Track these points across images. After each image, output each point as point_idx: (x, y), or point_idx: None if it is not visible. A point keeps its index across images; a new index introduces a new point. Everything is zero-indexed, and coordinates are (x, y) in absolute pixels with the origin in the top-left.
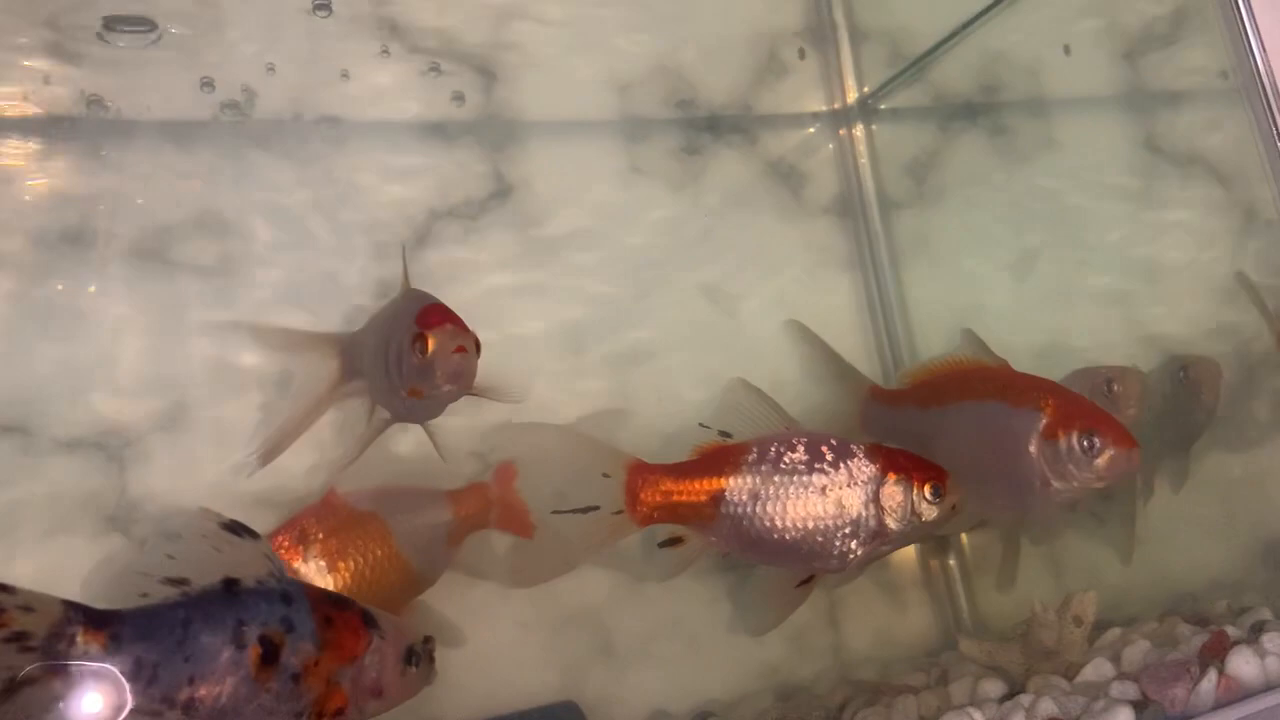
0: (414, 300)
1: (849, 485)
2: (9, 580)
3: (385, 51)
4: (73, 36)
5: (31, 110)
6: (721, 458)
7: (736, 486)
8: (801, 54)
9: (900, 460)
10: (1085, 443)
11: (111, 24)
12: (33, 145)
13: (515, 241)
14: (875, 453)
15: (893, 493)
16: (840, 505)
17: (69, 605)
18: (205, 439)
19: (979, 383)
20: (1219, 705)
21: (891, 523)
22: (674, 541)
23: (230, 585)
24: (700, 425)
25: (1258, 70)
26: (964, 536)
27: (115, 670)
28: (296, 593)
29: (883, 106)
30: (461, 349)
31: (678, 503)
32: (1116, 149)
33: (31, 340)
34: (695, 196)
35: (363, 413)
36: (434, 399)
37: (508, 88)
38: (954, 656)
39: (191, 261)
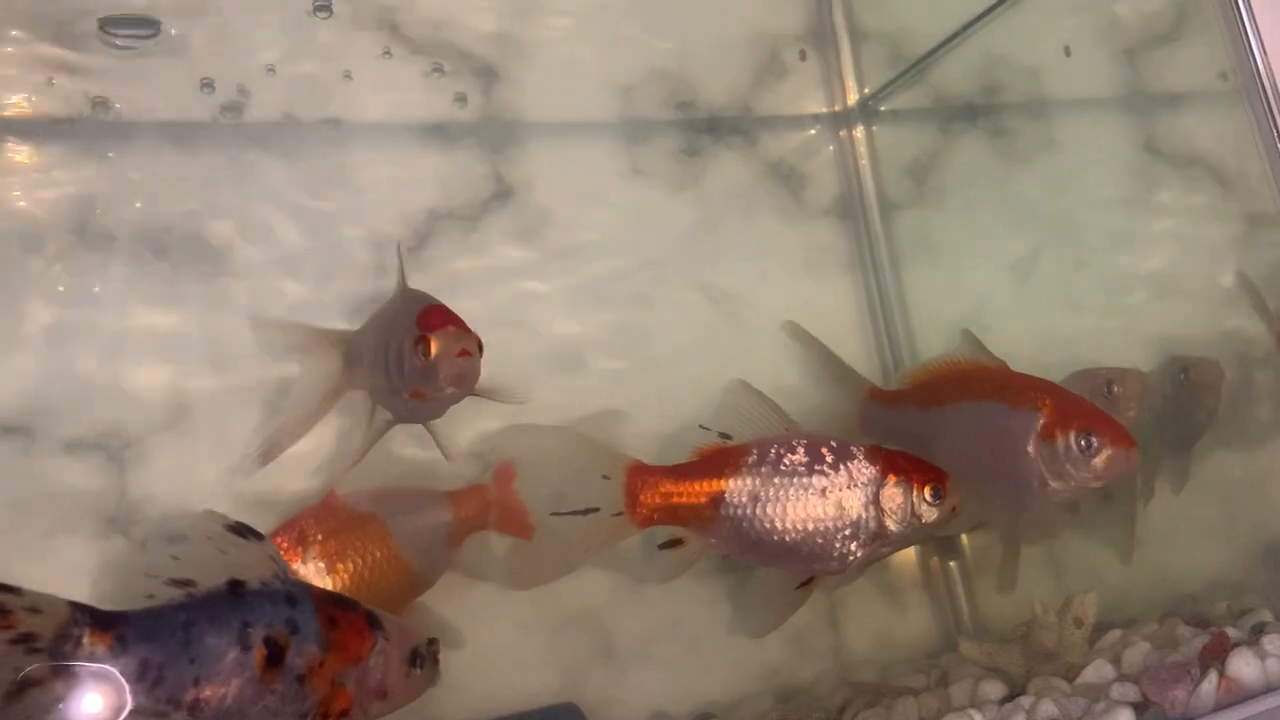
0: (413, 301)
1: (849, 487)
2: (11, 582)
3: (387, 53)
4: (74, 38)
5: (33, 111)
6: (721, 459)
7: (736, 488)
8: (802, 56)
9: (900, 462)
10: (1083, 442)
11: (111, 25)
12: (34, 146)
13: (515, 243)
14: (875, 455)
15: (893, 494)
16: (840, 507)
17: (75, 607)
18: (206, 440)
19: (977, 383)
20: (1219, 707)
21: (891, 525)
22: (674, 543)
23: (235, 587)
24: (700, 427)
25: (1258, 71)
26: (964, 538)
27: (121, 671)
28: (301, 594)
29: (883, 108)
30: (466, 352)
31: (678, 504)
32: (1117, 150)
33: (33, 341)
34: (696, 198)
35: (364, 413)
36: (436, 401)
37: (508, 89)
38: (954, 658)
39: (192, 263)
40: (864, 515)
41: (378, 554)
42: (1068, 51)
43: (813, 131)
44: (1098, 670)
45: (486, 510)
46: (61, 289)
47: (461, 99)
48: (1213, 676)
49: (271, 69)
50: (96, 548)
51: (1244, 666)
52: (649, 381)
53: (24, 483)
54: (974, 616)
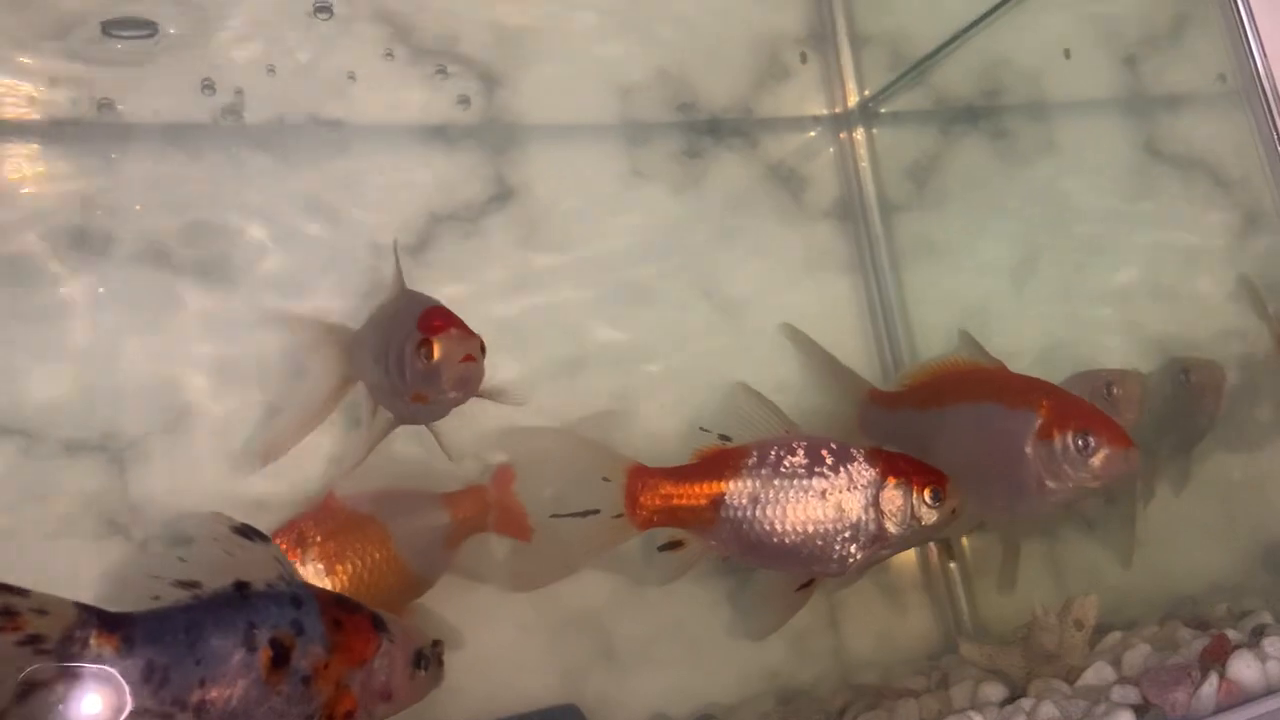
0: (413, 302)
1: (849, 489)
2: (13, 583)
3: (389, 54)
4: (75, 40)
5: (35, 114)
6: (721, 461)
7: (736, 490)
8: (803, 58)
9: (900, 464)
10: (1080, 442)
11: (112, 27)
12: (36, 148)
13: (516, 245)
14: (875, 457)
15: (892, 497)
16: (840, 509)
17: (82, 608)
18: (206, 441)
19: (975, 384)
20: (1220, 709)
21: (891, 527)
22: (674, 545)
23: (241, 588)
24: (700, 429)
25: (1258, 73)
26: (964, 539)
27: (127, 673)
28: (306, 596)
29: (884, 110)
30: (471, 358)
31: (678, 506)
32: (1117, 152)
33: (35, 343)
34: (696, 200)
35: (365, 415)
36: (439, 403)
37: (509, 91)
38: (955, 660)
39: (193, 264)
40: (864, 517)
41: (376, 556)
42: (1068, 54)
43: (813, 133)
44: (1098, 672)
45: (485, 512)
46: (64, 290)
47: (465, 101)
48: (1213, 679)
49: (272, 70)
50: (97, 549)
51: (1244, 669)
52: (649, 383)
53: (25, 483)
54: (974, 618)
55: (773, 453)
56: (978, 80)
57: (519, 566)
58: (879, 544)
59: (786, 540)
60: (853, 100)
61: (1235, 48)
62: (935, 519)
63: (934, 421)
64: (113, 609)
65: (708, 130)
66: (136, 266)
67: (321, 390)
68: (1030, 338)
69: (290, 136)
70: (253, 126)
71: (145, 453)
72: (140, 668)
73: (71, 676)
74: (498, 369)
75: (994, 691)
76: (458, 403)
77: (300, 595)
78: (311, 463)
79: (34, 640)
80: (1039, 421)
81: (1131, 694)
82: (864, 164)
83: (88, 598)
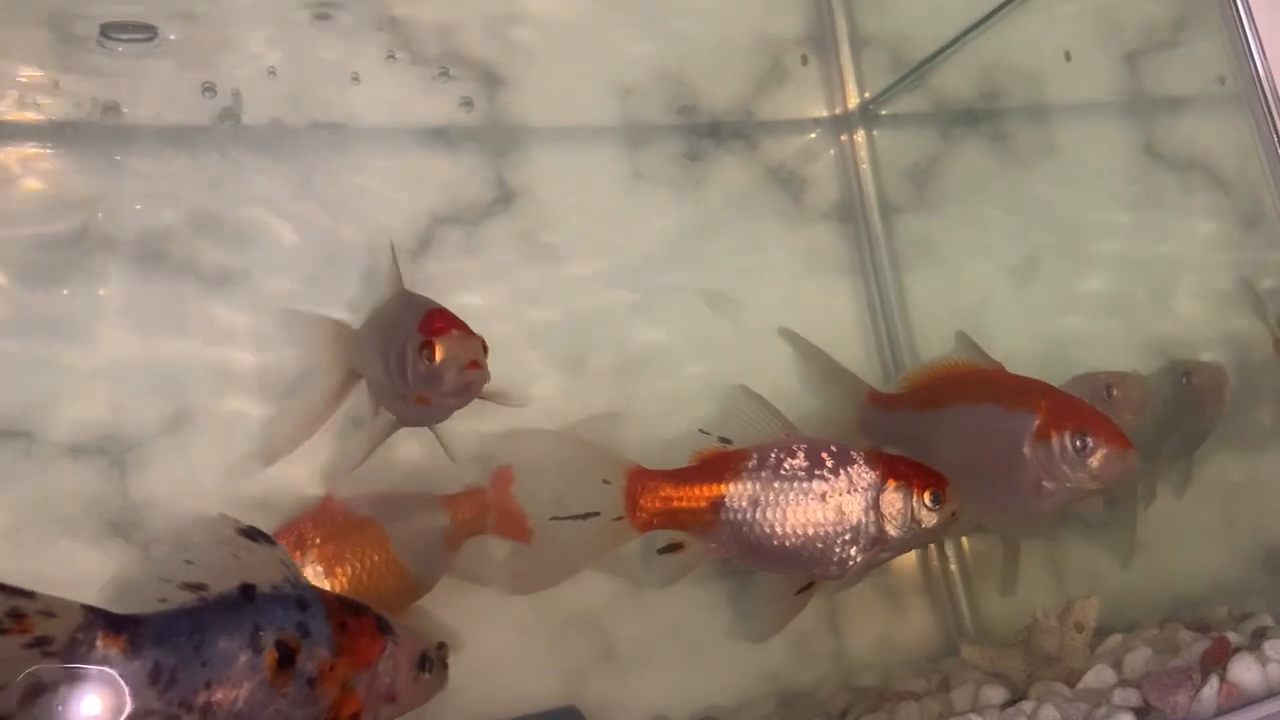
0: (412, 303)
1: (849, 492)
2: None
3: (391, 56)
4: (77, 42)
5: (37, 116)
6: (722, 464)
7: (736, 492)
8: (804, 60)
9: (900, 467)
10: (1078, 443)
11: (111, 30)
12: (37, 150)
13: (517, 247)
14: (875, 459)
15: (893, 499)
16: (840, 512)
17: (89, 610)
18: (207, 443)
19: (974, 386)
20: (1221, 712)
21: (891, 529)
22: (674, 547)
23: (247, 591)
24: (700, 431)
25: (1258, 75)
26: (965, 541)
27: (134, 674)
28: (312, 598)
29: (884, 112)
30: (475, 364)
31: (678, 509)
32: (1117, 154)
33: (36, 344)
34: (697, 202)
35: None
36: (441, 405)
37: (511, 93)
38: (956, 662)
39: (194, 266)
40: (864, 520)
41: (375, 558)
42: (1068, 56)
43: (813, 135)
44: (1099, 675)
45: (484, 514)
46: (65, 292)
47: (468, 103)
48: (1214, 681)
49: (273, 72)
50: (98, 551)
51: (1245, 671)
52: (649, 385)
53: (25, 486)
54: (975, 621)
55: (773, 455)
56: (978, 82)
57: (519, 569)
58: (879, 547)
59: (786, 543)
60: (853, 102)
61: (1236, 50)
62: (935, 522)
63: (933, 423)
64: (119, 611)
65: (708, 132)
66: (137, 268)
67: (324, 389)
68: (1030, 339)
69: (291, 138)
70: (254, 128)
71: (146, 455)
72: (147, 669)
73: (79, 678)
74: (498, 371)
75: (995, 694)
76: (460, 405)
77: (306, 598)
78: (312, 463)
79: (41, 642)
80: (1037, 422)
81: (1132, 696)
82: (864, 166)
83: (89, 599)
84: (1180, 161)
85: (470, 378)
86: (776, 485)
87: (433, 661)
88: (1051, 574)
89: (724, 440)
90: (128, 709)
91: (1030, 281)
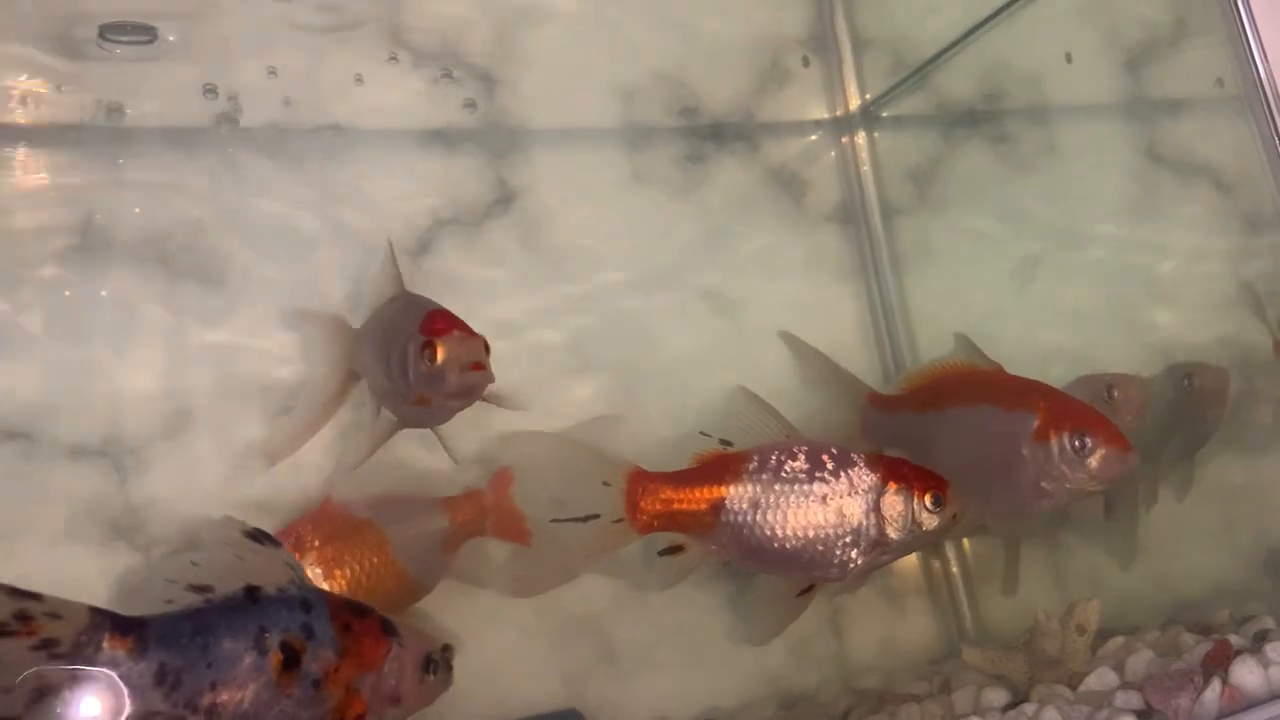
0: (413, 303)
1: (850, 494)
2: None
3: (393, 58)
4: (75, 45)
5: (36, 118)
6: (722, 466)
7: (737, 495)
8: (805, 62)
9: (901, 469)
10: (1076, 443)
11: (111, 31)
12: (37, 152)
13: (518, 249)
14: (876, 462)
15: (893, 502)
16: (841, 514)
17: (95, 612)
18: (208, 445)
19: (973, 387)
20: (1223, 715)
21: (892, 532)
22: (674, 549)
23: (252, 592)
24: (701, 433)
25: (1259, 78)
26: (966, 543)
27: (140, 676)
28: (317, 600)
29: (885, 114)
30: (479, 366)
31: (678, 511)
32: (1118, 156)
33: (37, 346)
34: (698, 204)
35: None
36: (443, 407)
37: (511, 95)
38: (957, 665)
39: (195, 268)
40: (865, 522)
41: (374, 560)
42: (1069, 58)
43: (815, 137)
44: (1101, 678)
45: (483, 516)
46: (67, 294)
47: (471, 104)
48: (1216, 684)
49: (273, 73)
50: (99, 553)
51: (1247, 674)
52: (650, 387)
53: (26, 488)
54: (976, 623)
55: (773, 457)
56: (979, 84)
57: (519, 571)
58: (880, 549)
59: (787, 545)
60: (854, 104)
61: (1237, 52)
62: (936, 524)
63: (933, 424)
64: (124, 612)
65: (710, 134)
66: (138, 270)
67: (326, 388)
68: (1031, 341)
69: (292, 140)
70: (254, 130)
71: (147, 457)
72: (153, 671)
73: (85, 679)
74: (498, 373)
75: (996, 696)
76: (463, 406)
77: (311, 599)
78: (313, 465)
79: (48, 644)
80: (1035, 423)
81: (1134, 699)
82: (865, 168)
83: (90, 601)
84: (1182, 164)
85: (473, 380)
86: (777, 487)
87: (437, 663)
88: (1053, 576)
89: (724, 442)
90: (134, 710)
91: (1031, 283)
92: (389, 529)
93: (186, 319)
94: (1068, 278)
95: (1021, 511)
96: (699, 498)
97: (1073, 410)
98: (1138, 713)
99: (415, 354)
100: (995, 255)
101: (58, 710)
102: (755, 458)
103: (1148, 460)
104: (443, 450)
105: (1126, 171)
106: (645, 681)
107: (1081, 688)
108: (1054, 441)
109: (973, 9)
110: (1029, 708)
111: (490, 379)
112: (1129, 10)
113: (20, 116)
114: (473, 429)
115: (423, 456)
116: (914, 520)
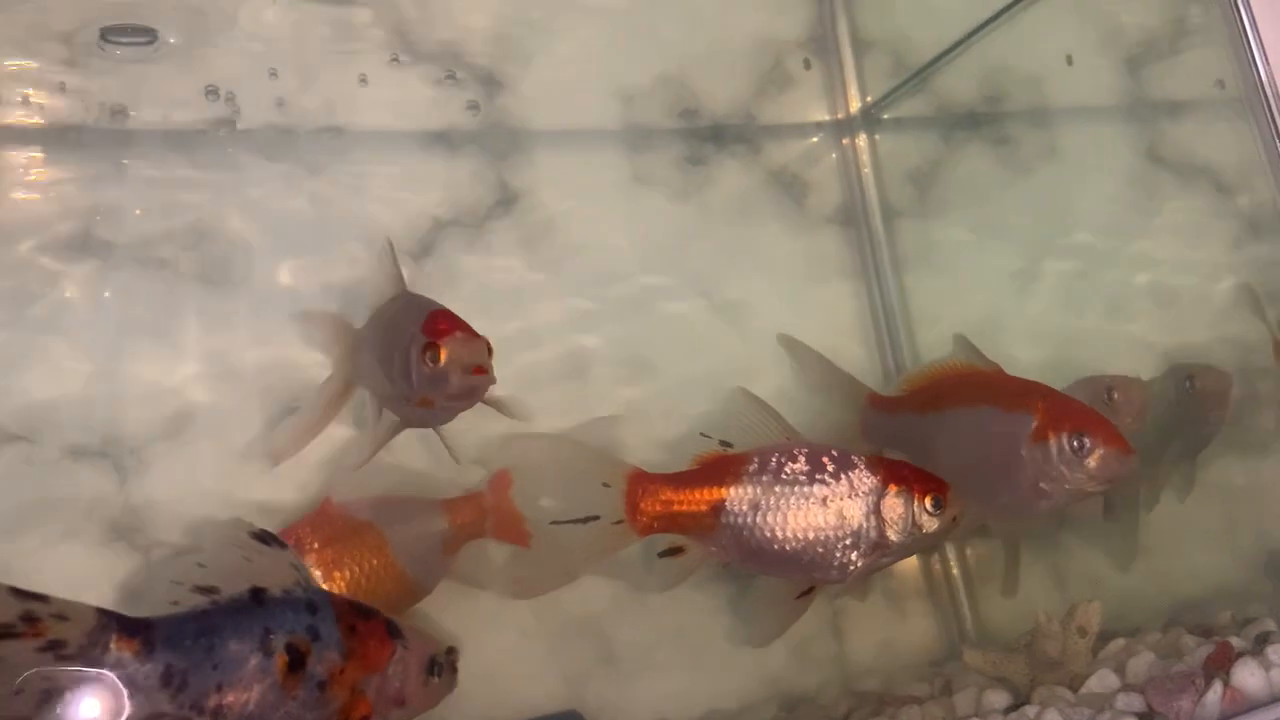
0: (414, 304)
1: (850, 496)
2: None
3: (395, 59)
4: (79, 46)
5: (40, 120)
6: (722, 467)
7: (737, 496)
8: (806, 64)
9: (901, 471)
10: (1075, 444)
11: (112, 33)
12: (40, 154)
13: (519, 250)
14: (876, 464)
15: (894, 504)
16: (841, 516)
17: (102, 613)
18: (209, 446)
19: (972, 388)
20: (1225, 717)
21: (892, 534)
22: (674, 551)
23: (258, 594)
24: (701, 435)
25: (1260, 80)
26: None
27: (146, 677)
28: (322, 602)
29: (886, 116)
30: (480, 369)
31: (678, 512)
32: (1119, 158)
33: (38, 347)
34: (699, 206)
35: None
36: (446, 408)
37: (512, 97)
38: (958, 667)
39: (196, 269)
40: (865, 524)
41: (374, 562)
42: (1070, 60)
43: (815, 139)
44: (1102, 680)
45: (483, 518)
46: (68, 295)
47: (474, 106)
48: (1217, 686)
49: (275, 74)
50: (100, 554)
51: (1249, 676)
52: (650, 389)
53: (27, 489)
54: (977, 625)
55: (774, 459)
56: (980, 86)
57: (519, 573)
58: (880, 551)
59: (787, 547)
60: (855, 106)
61: (1237, 54)
62: (936, 527)
63: (932, 425)
64: (130, 614)
65: (710, 136)
66: (139, 271)
67: (328, 388)
68: (1032, 343)
69: (292, 141)
70: (255, 131)
71: (148, 458)
72: (159, 672)
73: (92, 681)
74: (498, 374)
75: (997, 699)
76: (465, 408)
77: (316, 601)
78: (313, 465)
79: (55, 646)
80: (1034, 424)
81: (1136, 701)
82: (866, 170)
83: (92, 602)
84: (1183, 166)
85: (475, 382)
86: (777, 489)
87: (442, 665)
88: (1054, 578)
89: (725, 444)
90: (140, 712)
91: (1032, 285)
92: (388, 531)
93: (187, 320)
94: (1067, 279)
95: (1021, 512)
96: (699, 499)
97: (1071, 411)
98: (1139, 715)
99: (418, 355)
100: (995, 257)
101: (64, 712)
102: (755, 459)
103: (1148, 462)
104: (442, 451)
105: (1127, 173)
106: (645, 683)
107: (1083, 690)
108: (1053, 442)
109: (973, 11)
110: (1030, 710)
111: (492, 380)
112: (1130, 12)
113: (22, 118)
114: (472, 430)
115: (423, 457)
116: (914, 523)
